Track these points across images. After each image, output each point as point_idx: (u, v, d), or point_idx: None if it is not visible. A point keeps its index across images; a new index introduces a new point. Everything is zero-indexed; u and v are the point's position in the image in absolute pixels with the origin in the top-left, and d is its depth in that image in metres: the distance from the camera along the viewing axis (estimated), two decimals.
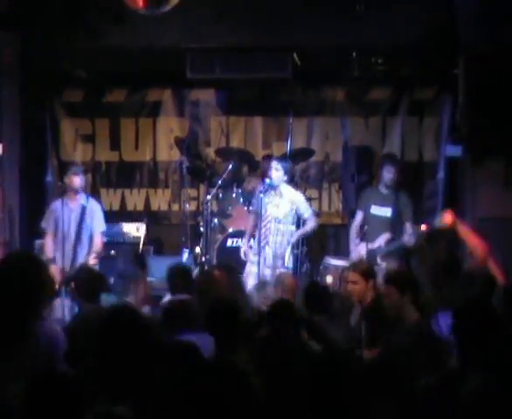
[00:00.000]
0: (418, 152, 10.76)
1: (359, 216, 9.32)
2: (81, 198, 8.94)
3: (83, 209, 8.87)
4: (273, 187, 8.84)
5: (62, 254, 8.66)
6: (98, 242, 8.92)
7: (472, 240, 7.70)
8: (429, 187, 10.61)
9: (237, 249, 9.41)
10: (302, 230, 9.08)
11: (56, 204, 8.90)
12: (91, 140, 11.18)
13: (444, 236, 8.21)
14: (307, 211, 9.03)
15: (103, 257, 9.05)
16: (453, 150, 9.28)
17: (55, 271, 8.30)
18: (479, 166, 9.04)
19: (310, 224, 9.06)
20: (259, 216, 8.74)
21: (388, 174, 9.20)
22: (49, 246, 8.81)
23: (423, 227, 8.66)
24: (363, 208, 9.30)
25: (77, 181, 8.86)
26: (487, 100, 8.79)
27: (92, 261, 8.69)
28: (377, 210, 9.18)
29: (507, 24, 8.62)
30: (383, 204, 9.16)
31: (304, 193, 10.17)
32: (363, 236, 9.10)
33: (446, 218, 8.12)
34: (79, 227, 8.82)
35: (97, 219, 8.95)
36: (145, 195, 11.24)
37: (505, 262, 7.34)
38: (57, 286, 7.96)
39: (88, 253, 8.81)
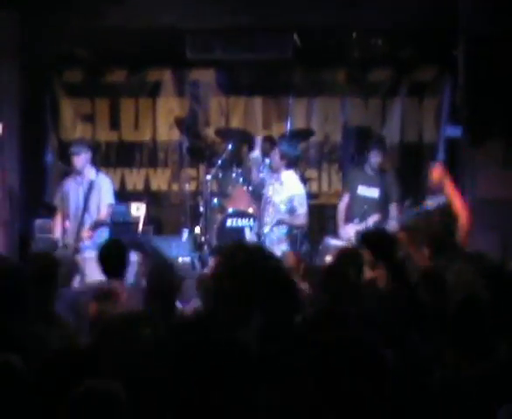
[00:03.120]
0: (417, 133, 10.75)
1: (346, 196, 9.35)
2: (90, 173, 9.00)
3: (91, 184, 8.94)
4: (272, 169, 8.79)
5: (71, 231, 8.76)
6: (103, 213, 8.97)
7: (457, 203, 7.83)
8: (429, 168, 10.59)
9: (236, 229, 9.42)
10: (290, 220, 8.93)
11: (65, 182, 9.00)
12: (91, 120, 11.15)
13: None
14: (301, 207, 8.89)
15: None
16: (453, 131, 9.28)
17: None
18: (478, 147, 9.06)
19: (300, 220, 8.92)
20: (260, 195, 8.66)
21: (375, 157, 9.16)
22: (57, 224, 8.90)
23: (406, 204, 8.69)
24: (349, 188, 9.34)
25: (77, 161, 8.91)
26: (487, 81, 8.79)
27: (85, 233, 8.75)
28: (364, 191, 9.18)
29: (507, 4, 8.62)
30: (370, 185, 9.16)
31: (303, 174, 10.18)
32: (349, 216, 9.12)
33: (435, 173, 8.20)
34: (86, 203, 8.89)
35: (104, 193, 9.02)
36: (145, 175, 11.23)
37: (504, 242, 7.39)
38: None
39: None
